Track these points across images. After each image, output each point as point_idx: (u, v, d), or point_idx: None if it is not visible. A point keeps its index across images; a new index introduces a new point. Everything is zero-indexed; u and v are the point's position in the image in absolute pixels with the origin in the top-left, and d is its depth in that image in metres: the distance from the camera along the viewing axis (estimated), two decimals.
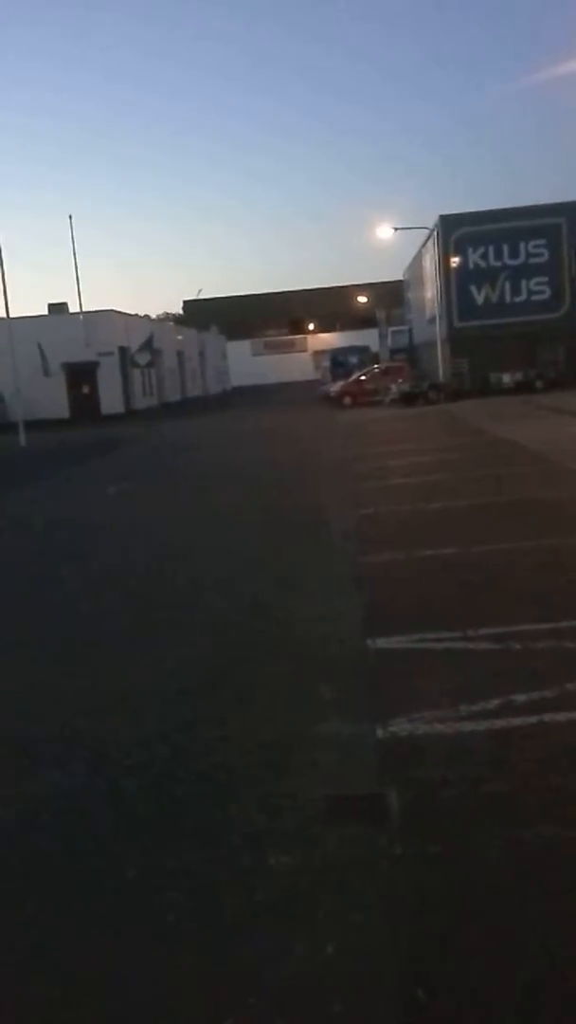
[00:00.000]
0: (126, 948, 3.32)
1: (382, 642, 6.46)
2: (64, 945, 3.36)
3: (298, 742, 4.92)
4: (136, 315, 58.19)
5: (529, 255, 38.87)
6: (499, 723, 4.88)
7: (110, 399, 48.78)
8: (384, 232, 44.99)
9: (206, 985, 3.06)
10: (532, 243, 38.77)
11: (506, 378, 37.16)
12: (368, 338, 66.94)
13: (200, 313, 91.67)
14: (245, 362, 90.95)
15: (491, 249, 39.01)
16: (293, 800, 4.26)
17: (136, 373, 52.22)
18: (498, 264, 39.09)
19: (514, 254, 38.92)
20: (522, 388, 36.07)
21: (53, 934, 3.43)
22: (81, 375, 48.56)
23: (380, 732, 4.90)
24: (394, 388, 38.93)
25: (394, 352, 56.08)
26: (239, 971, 3.11)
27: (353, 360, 51.65)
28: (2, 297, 33.18)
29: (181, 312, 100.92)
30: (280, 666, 6.27)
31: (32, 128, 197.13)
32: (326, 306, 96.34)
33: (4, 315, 34.83)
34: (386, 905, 3.41)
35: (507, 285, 39.10)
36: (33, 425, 35.20)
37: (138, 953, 3.27)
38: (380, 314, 61.98)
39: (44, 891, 3.74)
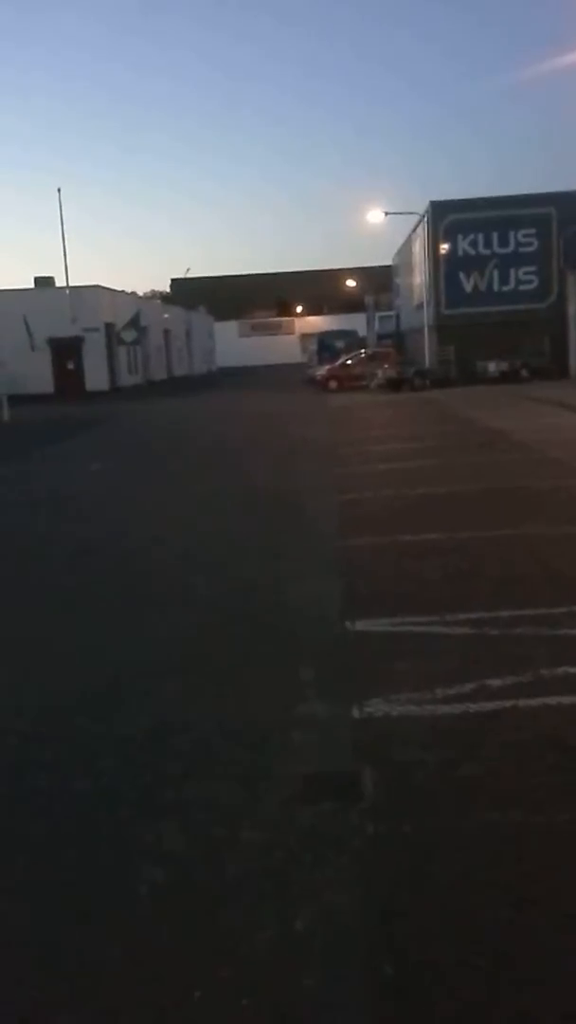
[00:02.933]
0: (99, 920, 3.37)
1: (361, 625, 6.51)
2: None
3: (277, 721, 4.97)
4: (123, 291, 57.79)
5: (519, 244, 38.89)
6: (474, 707, 4.95)
7: (95, 376, 48.49)
8: (375, 217, 44.91)
9: (177, 957, 3.11)
10: (522, 232, 38.78)
11: (492, 367, 37.23)
12: (356, 322, 66.78)
13: (188, 292, 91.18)
14: (232, 343, 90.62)
15: (481, 237, 39.00)
16: (270, 777, 4.31)
17: (122, 350, 51.90)
18: (487, 252, 39.09)
19: (504, 242, 38.93)
20: (507, 377, 36.17)
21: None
22: (66, 351, 48.21)
23: (357, 713, 4.96)
24: (380, 374, 38.92)
25: (381, 337, 55.99)
26: (211, 944, 3.16)
27: (340, 344, 51.49)
28: None
29: (168, 290, 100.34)
30: (260, 647, 6.32)
31: (20, 106, 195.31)
32: (314, 289, 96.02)
33: None
34: (357, 882, 3.47)
35: (495, 273, 39.12)
36: (17, 400, 34.99)
37: (112, 924, 3.33)
38: (368, 299, 61.76)
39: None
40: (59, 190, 73.24)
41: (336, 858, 3.62)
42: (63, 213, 69.97)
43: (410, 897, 3.36)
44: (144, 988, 2.97)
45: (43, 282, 52.34)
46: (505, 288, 39.15)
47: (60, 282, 50.28)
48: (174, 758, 4.63)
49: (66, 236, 66.49)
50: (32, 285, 52.07)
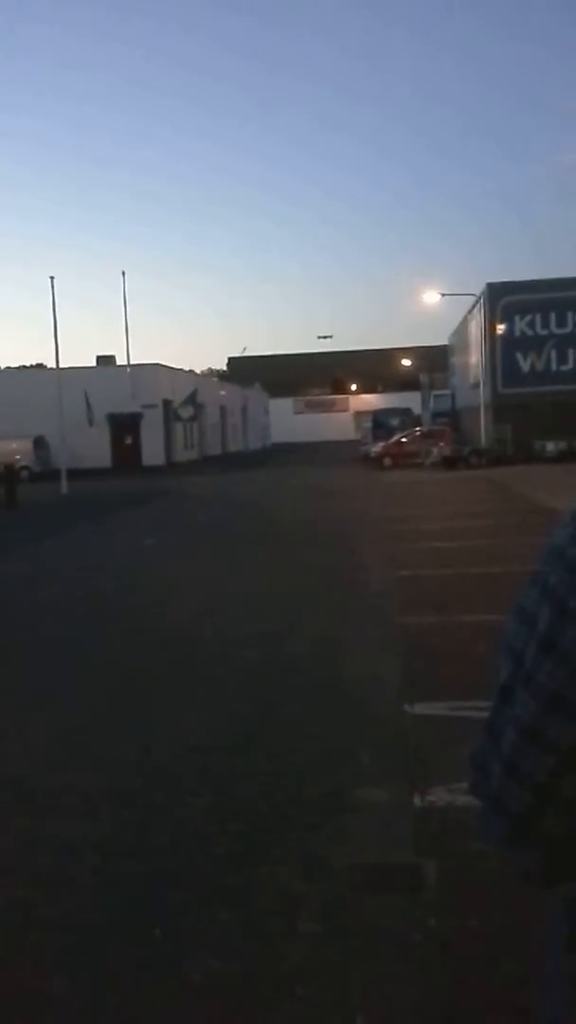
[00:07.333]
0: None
1: (420, 708, 6.40)
2: None
3: (336, 807, 4.87)
4: (181, 369, 59.07)
5: None
6: None
7: (152, 450, 49.36)
8: (431, 297, 45.74)
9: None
10: None
11: (550, 446, 37.02)
12: (410, 401, 67.20)
13: (244, 370, 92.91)
14: (286, 419, 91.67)
15: (538, 317, 39.22)
16: (327, 865, 4.21)
17: (179, 426, 52.87)
18: (545, 332, 39.26)
19: (561, 323, 39.08)
20: (566, 456, 35.89)
21: None
22: (125, 426, 49.27)
23: (418, 801, 4.84)
24: (435, 451, 38.92)
25: (436, 416, 56.19)
26: None
27: (394, 422, 51.76)
28: (53, 348, 34.06)
29: (225, 368, 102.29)
30: (318, 728, 6.23)
31: (86, 196, 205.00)
32: (369, 367, 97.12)
33: (54, 365, 35.55)
34: (420, 978, 3.34)
35: (553, 353, 39.22)
36: (75, 473, 35.68)
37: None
38: (423, 377, 62.28)
39: None
40: (123, 273, 75.73)
41: (397, 953, 3.50)
42: (127, 294, 71.67)
43: (475, 994, 3.23)
44: None
45: (104, 360, 53.89)
46: (563, 367, 39.20)
47: (121, 359, 51.68)
48: (233, 839, 4.54)
49: (128, 315, 68.29)
50: (94, 363, 53.55)
